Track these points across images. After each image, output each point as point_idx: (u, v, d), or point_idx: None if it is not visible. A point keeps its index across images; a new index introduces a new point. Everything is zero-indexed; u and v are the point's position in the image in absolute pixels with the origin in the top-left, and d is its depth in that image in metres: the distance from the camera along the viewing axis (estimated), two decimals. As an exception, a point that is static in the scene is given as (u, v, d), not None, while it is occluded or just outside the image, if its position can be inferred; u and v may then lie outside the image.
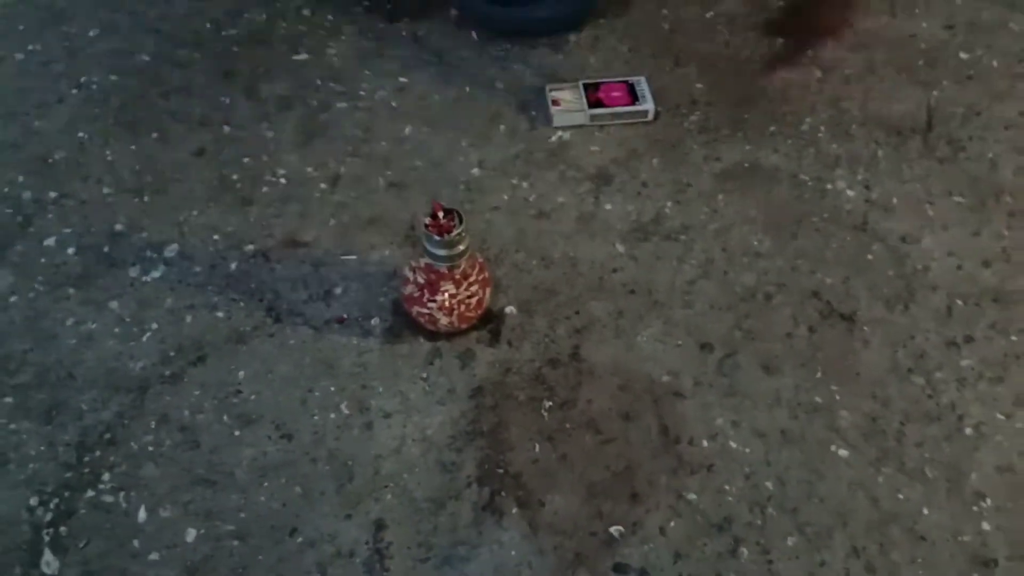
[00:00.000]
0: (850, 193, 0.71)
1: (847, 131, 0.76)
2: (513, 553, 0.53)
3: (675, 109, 0.78)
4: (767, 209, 0.70)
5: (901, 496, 0.55)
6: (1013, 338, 0.62)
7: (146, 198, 0.72)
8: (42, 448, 0.58)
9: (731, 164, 0.73)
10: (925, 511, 0.54)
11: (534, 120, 0.77)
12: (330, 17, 0.85)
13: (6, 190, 0.73)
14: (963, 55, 0.82)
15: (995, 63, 0.82)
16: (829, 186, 0.72)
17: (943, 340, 0.62)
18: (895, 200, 0.71)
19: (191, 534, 0.54)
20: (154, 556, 0.53)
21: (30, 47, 0.84)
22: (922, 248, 0.68)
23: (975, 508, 0.54)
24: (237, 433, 0.58)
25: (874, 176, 0.73)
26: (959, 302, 0.64)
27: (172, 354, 0.62)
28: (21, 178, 0.74)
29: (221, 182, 0.72)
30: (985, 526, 0.53)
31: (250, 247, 0.68)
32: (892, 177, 0.73)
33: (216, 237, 0.69)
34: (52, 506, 0.56)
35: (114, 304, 0.65)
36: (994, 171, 0.73)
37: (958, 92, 0.79)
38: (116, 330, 0.64)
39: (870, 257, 0.67)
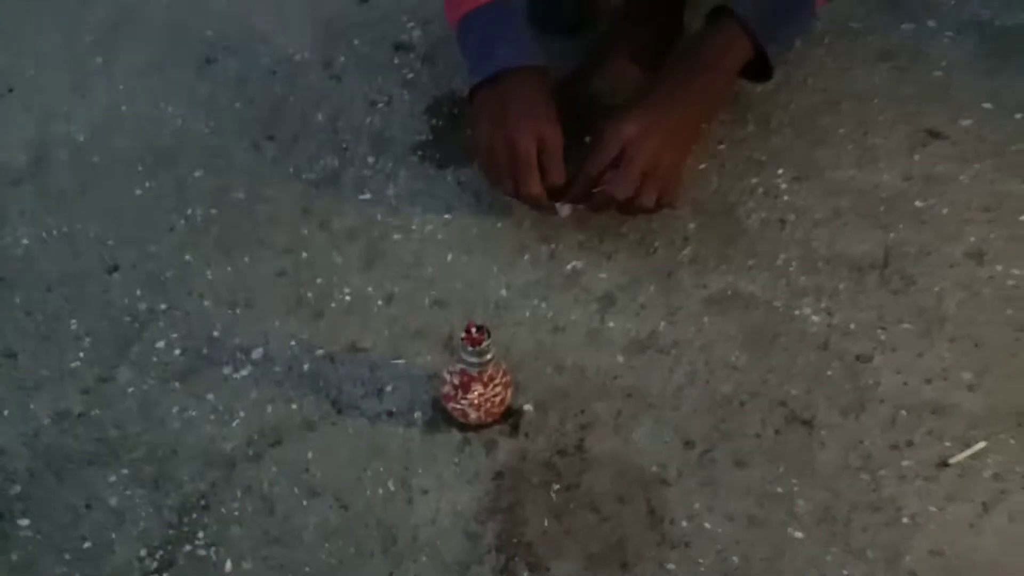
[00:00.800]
0: (815, 319, 0.85)
1: (814, 266, 0.91)
2: (523, 607, 0.65)
3: (671, 244, 0.94)
4: (744, 330, 0.85)
5: (846, 572, 0.66)
6: (947, 443, 0.74)
7: (238, 310, 0.89)
8: (150, 510, 0.73)
9: (716, 291, 0.89)
10: (865, 585, 0.66)
11: (553, 250, 0.93)
12: (390, 164, 1.04)
13: (126, 301, 0.91)
14: (918, 203, 0.98)
15: (946, 210, 0.97)
16: (797, 312, 0.86)
17: (887, 444, 0.74)
18: (853, 325, 0.85)
19: (267, 582, 0.68)
20: (237, 599, 0.67)
21: (147, 184, 1.04)
22: (874, 366, 0.81)
23: (908, 584, 0.66)
24: (305, 503, 0.72)
25: (836, 304, 0.87)
26: (903, 412, 0.77)
27: (255, 437, 0.77)
28: (139, 292, 0.92)
29: (298, 299, 0.90)
30: (916, 599, 0.64)
31: (320, 351, 0.84)
32: (852, 306, 0.87)
33: (293, 343, 0.85)
34: (157, 557, 0.70)
35: (210, 396, 0.81)
36: (939, 303, 0.87)
37: (912, 234, 0.94)
38: (211, 417, 0.79)
39: (829, 373, 0.80)
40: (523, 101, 0.83)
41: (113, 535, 0.71)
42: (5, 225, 0.98)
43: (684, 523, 0.70)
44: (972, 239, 0.91)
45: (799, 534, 0.68)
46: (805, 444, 0.75)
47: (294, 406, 0.80)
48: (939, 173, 1.01)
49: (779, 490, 0.71)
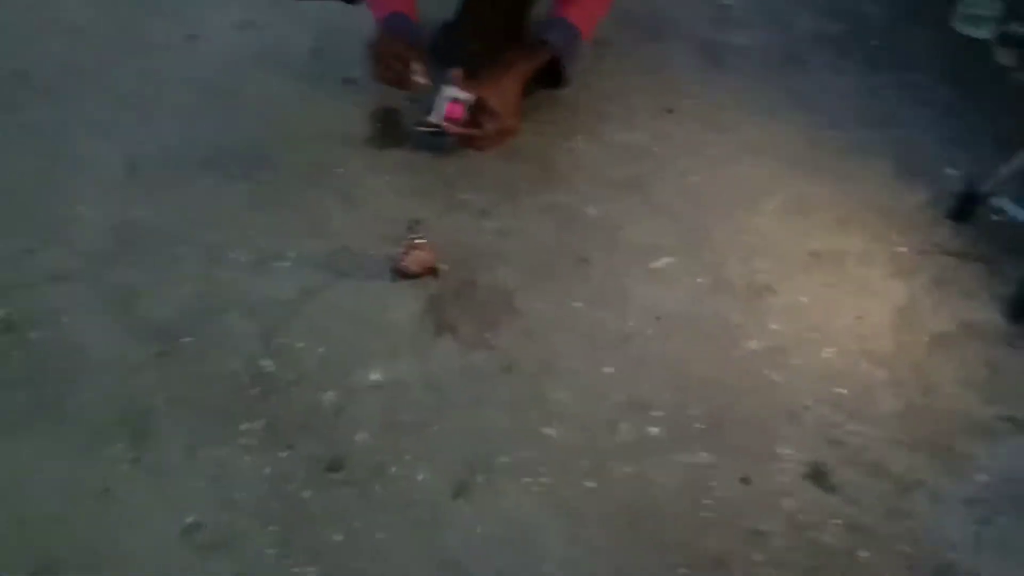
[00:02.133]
0: (594, 212, 1.57)
1: (600, 185, 1.63)
2: None
3: (515, 181, 1.64)
4: (556, 219, 1.56)
5: (602, 316, 1.37)
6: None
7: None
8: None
9: (543, 203, 1.59)
10: None
11: (452, 191, 1.62)
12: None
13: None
14: (655, 149, 1.72)
15: (662, 151, 1.71)
16: (586, 209, 1.58)
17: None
18: (610, 214, 1.57)
19: None
20: None
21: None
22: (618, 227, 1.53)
23: None
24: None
25: (607, 205, 1.59)
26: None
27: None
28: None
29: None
30: None
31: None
32: (614, 202, 1.59)
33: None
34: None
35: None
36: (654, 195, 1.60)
37: (649, 167, 1.68)
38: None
39: (599, 236, 1.52)
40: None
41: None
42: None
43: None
44: (680, 166, 1.65)
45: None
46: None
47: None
48: (669, 133, 1.76)
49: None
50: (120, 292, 1.40)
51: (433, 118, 1.53)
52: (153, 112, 1.74)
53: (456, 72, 1.53)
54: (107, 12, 1.98)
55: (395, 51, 1.50)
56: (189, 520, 1.12)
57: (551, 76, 1.66)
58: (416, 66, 1.51)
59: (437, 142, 1.60)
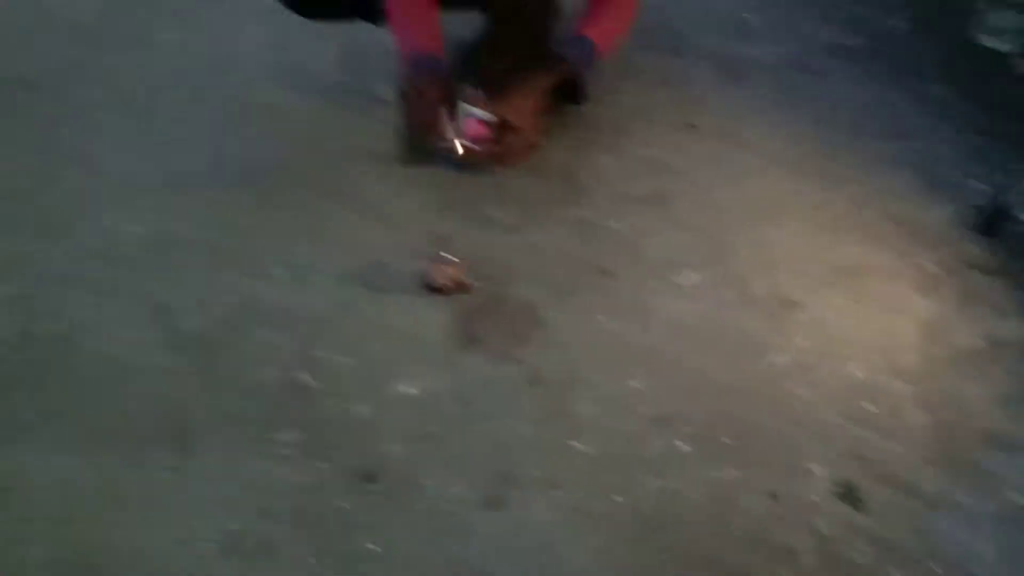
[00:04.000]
0: (618, 227, 1.60)
1: (619, 201, 1.65)
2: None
3: (543, 196, 1.67)
4: (577, 230, 1.58)
5: (628, 330, 1.39)
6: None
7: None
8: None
9: (569, 217, 1.62)
10: None
11: (475, 206, 1.65)
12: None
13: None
14: (679, 164, 1.74)
15: (684, 164, 1.73)
16: (609, 223, 1.60)
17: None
18: (629, 228, 1.59)
19: None
20: None
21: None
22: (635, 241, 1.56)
23: None
24: None
25: (632, 219, 1.61)
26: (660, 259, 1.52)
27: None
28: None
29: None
30: None
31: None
32: (637, 216, 1.61)
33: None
34: None
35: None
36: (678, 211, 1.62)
37: (672, 182, 1.70)
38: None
39: (617, 246, 1.54)
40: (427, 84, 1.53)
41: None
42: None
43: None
44: (703, 181, 1.67)
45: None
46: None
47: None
48: (691, 147, 1.78)
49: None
50: (159, 305, 1.44)
51: (456, 138, 1.56)
52: (187, 128, 1.78)
53: (476, 93, 1.56)
54: (130, 21, 2.03)
55: (426, 104, 1.51)
56: (230, 528, 1.15)
57: (570, 92, 1.69)
58: (447, 124, 1.52)
59: (462, 160, 1.63)
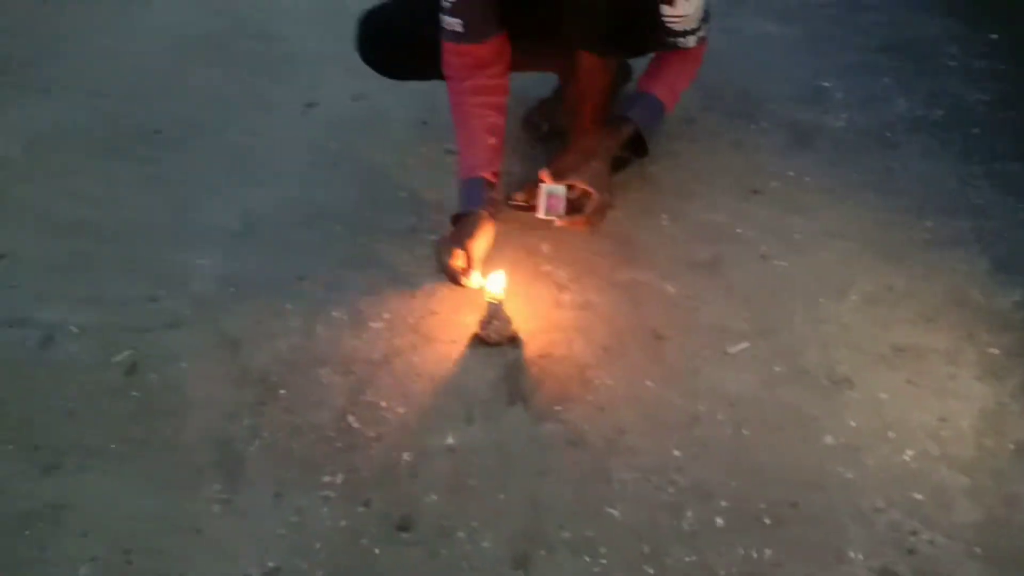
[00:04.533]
0: (672, 290, 1.61)
1: (680, 263, 1.67)
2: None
3: (599, 253, 1.70)
4: (633, 294, 1.60)
5: (673, 398, 1.39)
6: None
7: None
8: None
9: (624, 279, 1.64)
10: None
11: (536, 264, 1.69)
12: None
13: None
14: (738, 230, 1.74)
15: (754, 234, 1.73)
16: (666, 287, 1.61)
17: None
18: (691, 291, 1.60)
19: None
20: None
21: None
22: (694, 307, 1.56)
23: None
24: None
25: (684, 281, 1.62)
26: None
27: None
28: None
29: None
30: None
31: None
32: (695, 280, 1.62)
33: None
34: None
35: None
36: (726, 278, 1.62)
37: (730, 247, 1.70)
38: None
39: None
40: (461, 229, 1.55)
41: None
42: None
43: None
44: (763, 249, 1.67)
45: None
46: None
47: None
48: (753, 214, 1.77)
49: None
50: (229, 341, 1.53)
51: (541, 214, 1.58)
52: (267, 171, 1.90)
53: (544, 171, 1.59)
54: (233, 78, 2.18)
55: (452, 254, 1.49)
56: (270, 564, 1.21)
57: (635, 148, 1.71)
58: (470, 273, 1.51)
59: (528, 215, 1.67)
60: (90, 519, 1.29)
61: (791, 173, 1.86)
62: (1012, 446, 1.31)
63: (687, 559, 1.19)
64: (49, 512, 1.30)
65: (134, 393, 1.46)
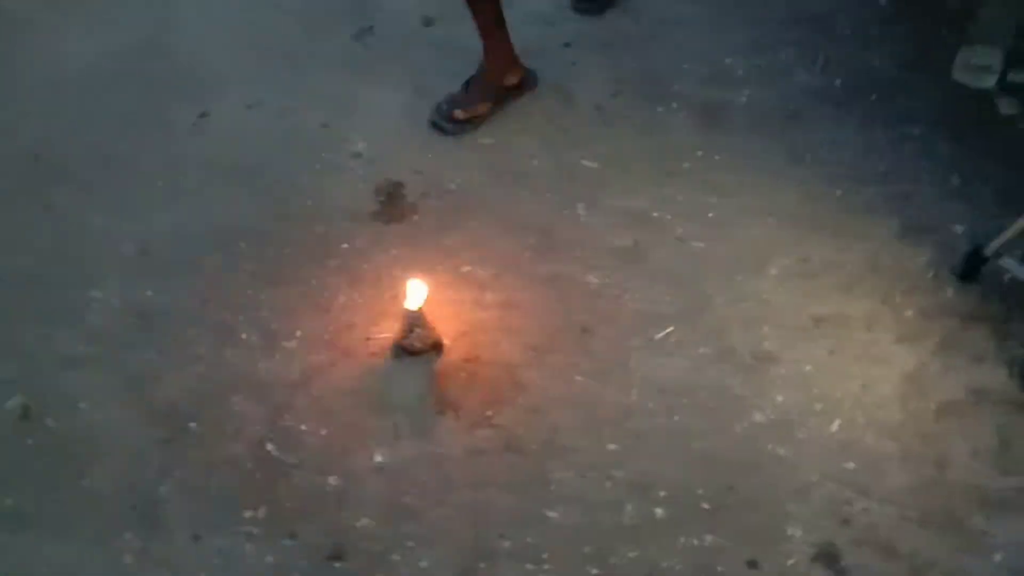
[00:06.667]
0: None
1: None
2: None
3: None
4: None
5: None
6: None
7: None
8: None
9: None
10: None
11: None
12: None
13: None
14: (655, 213, 1.73)
15: (669, 216, 1.72)
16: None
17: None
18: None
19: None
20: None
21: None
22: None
23: None
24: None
25: (607, 270, 1.60)
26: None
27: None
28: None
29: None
30: None
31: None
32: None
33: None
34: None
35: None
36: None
37: (646, 232, 1.69)
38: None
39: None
40: None
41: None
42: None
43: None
44: (680, 231, 1.66)
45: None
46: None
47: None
48: (670, 197, 1.75)
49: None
50: (132, 376, 1.43)
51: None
52: (165, 193, 1.78)
53: None
54: (123, 93, 2.04)
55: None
56: (193, 614, 1.13)
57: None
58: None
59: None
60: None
61: (701, 153, 1.85)
62: (935, 406, 1.34)
63: (630, 555, 1.17)
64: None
65: (29, 441, 1.35)
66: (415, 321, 1.42)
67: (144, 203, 1.76)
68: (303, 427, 1.34)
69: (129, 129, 1.94)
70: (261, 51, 2.07)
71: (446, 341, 1.46)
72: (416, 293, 1.40)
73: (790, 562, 1.14)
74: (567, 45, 2.15)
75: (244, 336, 1.49)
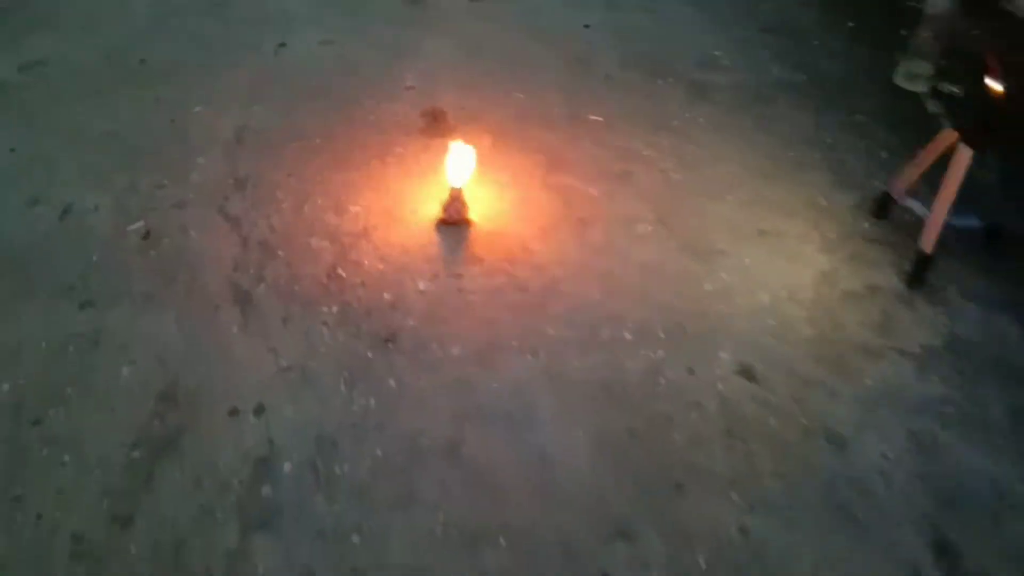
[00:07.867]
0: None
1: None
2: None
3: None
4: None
5: (594, 260, 1.80)
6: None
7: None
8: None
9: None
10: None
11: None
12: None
13: (291, 189, 2.00)
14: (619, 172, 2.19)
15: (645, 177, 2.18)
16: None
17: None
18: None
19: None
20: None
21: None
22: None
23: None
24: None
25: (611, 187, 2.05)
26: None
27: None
28: (296, 185, 2.01)
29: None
30: None
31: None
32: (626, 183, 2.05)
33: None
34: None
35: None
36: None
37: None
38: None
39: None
40: None
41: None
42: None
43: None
44: (664, 166, 2.11)
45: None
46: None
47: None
48: (659, 143, 2.21)
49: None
50: (229, 218, 1.85)
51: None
52: (252, 97, 2.23)
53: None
54: (215, 21, 2.50)
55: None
56: (283, 364, 1.54)
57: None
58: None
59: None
60: (125, 338, 1.59)
61: (688, 115, 2.32)
62: (839, 293, 1.77)
63: (604, 359, 1.59)
64: (89, 334, 1.59)
65: (152, 252, 1.77)
66: (456, 195, 1.85)
67: (236, 103, 2.20)
68: (365, 262, 1.77)
69: (218, 47, 2.41)
70: (330, 4, 2.55)
71: (475, 218, 1.89)
72: (460, 166, 1.84)
73: (718, 371, 1.57)
74: (587, 26, 2.66)
75: (319, 201, 1.92)
